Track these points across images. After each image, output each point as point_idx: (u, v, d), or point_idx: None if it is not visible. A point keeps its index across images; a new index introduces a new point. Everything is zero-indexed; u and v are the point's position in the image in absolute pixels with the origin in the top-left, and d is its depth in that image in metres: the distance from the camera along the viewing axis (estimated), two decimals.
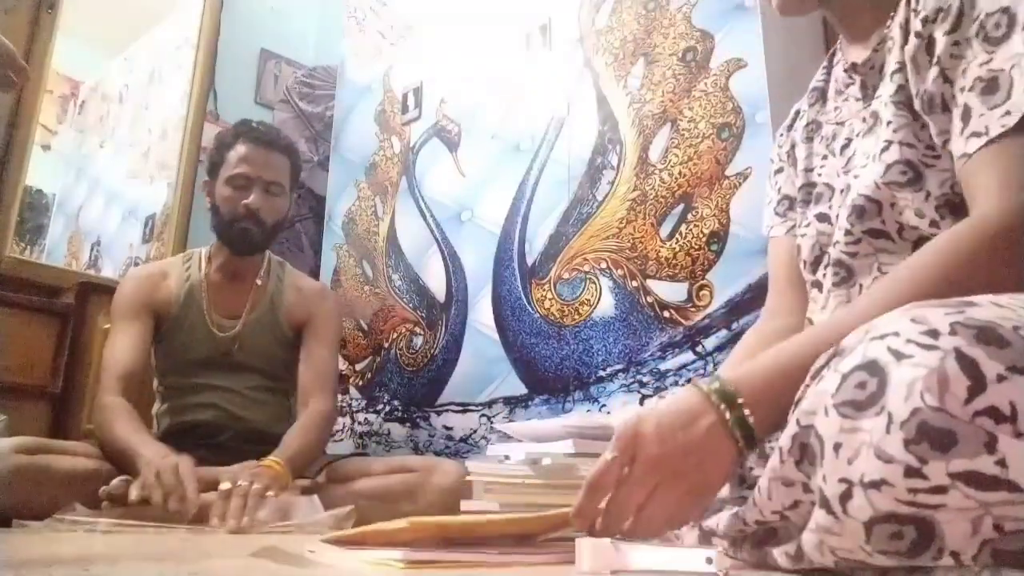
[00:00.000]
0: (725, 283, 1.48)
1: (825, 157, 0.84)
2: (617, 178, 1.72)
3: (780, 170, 0.96)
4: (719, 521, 0.66)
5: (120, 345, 1.47)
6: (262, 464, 1.28)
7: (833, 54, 0.88)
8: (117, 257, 2.90)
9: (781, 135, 0.96)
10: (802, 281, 0.89)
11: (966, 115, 0.62)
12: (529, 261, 1.87)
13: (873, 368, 0.43)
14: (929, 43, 0.66)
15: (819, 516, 0.46)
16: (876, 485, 0.42)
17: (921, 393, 0.41)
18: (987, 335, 0.41)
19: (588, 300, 1.71)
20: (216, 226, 1.59)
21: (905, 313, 0.45)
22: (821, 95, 0.89)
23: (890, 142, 0.70)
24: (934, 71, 0.65)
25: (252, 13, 2.88)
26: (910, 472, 0.41)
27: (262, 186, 1.54)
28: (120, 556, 0.72)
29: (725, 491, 0.79)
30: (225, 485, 1.15)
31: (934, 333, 0.42)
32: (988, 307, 0.43)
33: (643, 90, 1.71)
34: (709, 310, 1.49)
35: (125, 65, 3.35)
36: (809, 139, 0.88)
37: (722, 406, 0.56)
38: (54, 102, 3.60)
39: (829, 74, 0.88)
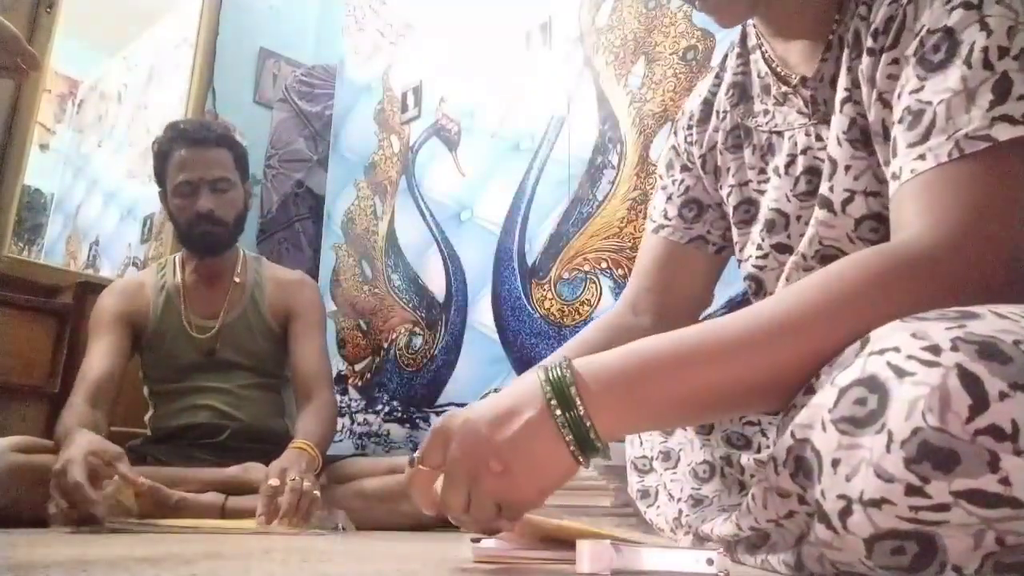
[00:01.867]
0: (725, 283, 1.47)
1: (763, 171, 0.76)
2: (618, 177, 1.71)
3: (688, 168, 0.86)
4: (713, 527, 0.66)
5: (95, 356, 1.46)
6: (294, 447, 1.28)
7: (745, 38, 0.77)
8: (115, 257, 2.89)
9: (690, 128, 0.85)
10: (671, 287, 0.88)
11: (894, 151, 0.56)
12: (529, 261, 1.86)
13: (873, 384, 0.42)
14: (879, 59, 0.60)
15: (819, 530, 0.45)
16: (876, 503, 0.41)
17: (923, 412, 0.39)
18: (989, 350, 0.40)
19: (588, 300, 1.70)
20: (178, 235, 1.60)
21: (905, 327, 0.43)
22: (742, 93, 0.77)
23: (852, 192, 0.64)
24: (874, 94, 0.59)
25: (251, 12, 2.87)
26: (911, 491, 0.40)
27: (208, 186, 1.52)
28: (118, 558, 0.72)
29: (725, 498, 0.79)
30: (273, 482, 1.14)
31: (935, 349, 0.41)
32: (990, 319, 0.42)
33: (644, 89, 1.70)
34: (709, 310, 1.48)
35: (124, 64, 3.34)
36: (737, 147, 0.79)
37: (552, 401, 0.49)
38: (52, 101, 3.59)
39: (747, 65, 0.77)
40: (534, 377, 0.51)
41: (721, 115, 0.80)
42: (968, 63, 0.52)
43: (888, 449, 0.40)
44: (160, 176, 1.57)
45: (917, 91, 0.54)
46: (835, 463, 0.43)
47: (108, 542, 0.90)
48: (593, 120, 1.80)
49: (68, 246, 3.25)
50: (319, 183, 2.76)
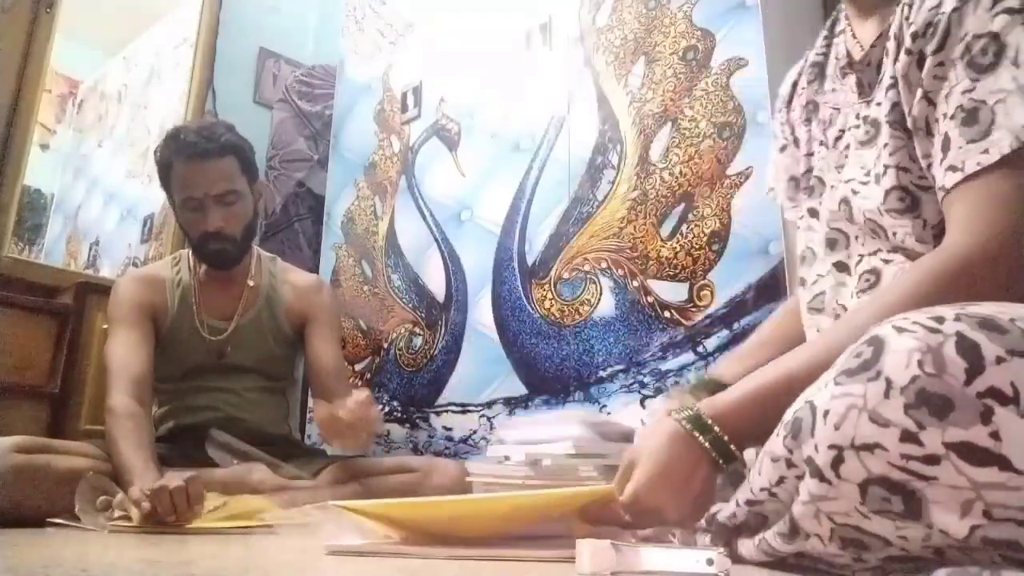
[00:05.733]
0: (726, 283, 1.48)
1: (822, 143, 0.83)
2: (618, 177, 1.71)
3: (784, 148, 0.93)
4: (716, 513, 0.66)
5: (127, 347, 1.41)
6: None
7: (834, 23, 0.84)
8: (116, 257, 2.89)
9: (780, 111, 0.93)
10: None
11: (946, 144, 0.61)
12: (529, 261, 1.86)
13: (873, 340, 0.46)
14: (920, 60, 0.65)
15: (811, 486, 0.47)
16: (869, 448, 0.43)
17: (920, 362, 0.43)
18: (989, 323, 0.44)
19: (588, 300, 1.70)
20: (190, 244, 1.55)
21: (921, 309, 0.47)
22: (820, 72, 0.84)
23: (887, 167, 0.69)
24: (919, 92, 0.64)
25: (251, 12, 2.87)
26: (906, 437, 0.42)
27: (215, 201, 1.45)
28: (118, 557, 0.72)
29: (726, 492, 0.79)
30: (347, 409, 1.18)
31: (939, 319, 0.45)
32: (989, 306, 0.46)
33: (644, 89, 1.70)
34: (710, 310, 1.48)
35: (124, 64, 3.34)
36: (808, 120, 0.86)
37: (700, 437, 0.62)
38: (52, 101, 3.59)
39: (829, 47, 0.84)
40: (676, 427, 0.63)
41: (800, 92, 0.87)
42: (1016, 63, 0.57)
43: (887, 395, 0.43)
44: (165, 185, 1.51)
45: (969, 91, 0.59)
46: (826, 414, 0.46)
47: (108, 542, 0.90)
48: (593, 120, 1.80)
49: (68, 246, 3.25)
50: (319, 183, 2.75)
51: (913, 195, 0.68)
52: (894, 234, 0.70)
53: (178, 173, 1.46)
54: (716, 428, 0.61)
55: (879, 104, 0.72)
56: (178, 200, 1.48)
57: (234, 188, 1.48)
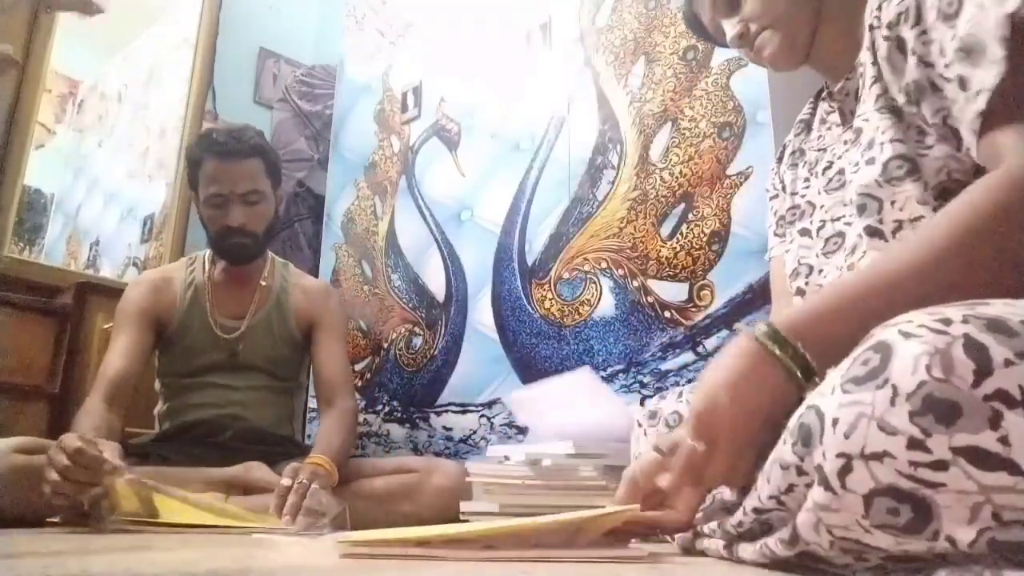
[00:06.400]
0: (726, 283, 1.48)
1: (807, 179, 0.92)
2: (617, 177, 1.71)
3: (775, 196, 1.02)
4: (721, 522, 0.66)
5: (117, 350, 1.47)
6: (310, 462, 1.27)
7: (820, 92, 0.96)
8: (116, 257, 2.89)
9: (773, 169, 1.03)
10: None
11: (963, 83, 0.66)
12: (529, 261, 1.86)
13: (879, 346, 0.45)
14: (899, 42, 0.72)
15: (817, 494, 0.47)
16: (878, 457, 0.43)
17: (928, 367, 0.42)
18: (996, 325, 0.43)
19: (588, 300, 1.70)
20: (209, 241, 1.60)
21: (925, 310, 0.47)
22: (806, 126, 0.97)
23: (882, 143, 0.74)
24: (912, 61, 0.71)
25: (251, 12, 2.87)
26: (913, 444, 0.41)
27: (239, 199, 1.51)
28: (118, 558, 0.72)
29: (728, 495, 0.79)
30: (286, 481, 1.17)
31: (946, 321, 0.44)
32: (999, 306, 0.45)
33: (644, 89, 1.70)
34: (710, 310, 1.48)
35: (124, 64, 3.34)
36: (794, 165, 0.96)
37: (778, 351, 0.59)
38: (52, 101, 3.59)
39: (815, 108, 0.96)
40: (752, 343, 0.60)
41: (789, 145, 1.00)
42: None
43: (893, 403, 0.42)
44: (192, 182, 1.58)
45: (955, 35, 0.67)
46: (835, 422, 0.45)
47: (108, 542, 0.90)
48: (593, 120, 1.80)
49: (68, 246, 3.25)
50: (319, 183, 2.76)
51: (912, 161, 0.73)
52: (892, 203, 0.73)
53: (206, 170, 1.52)
54: (797, 343, 0.58)
55: (859, 115, 0.79)
56: (203, 196, 1.54)
57: (258, 188, 1.54)
